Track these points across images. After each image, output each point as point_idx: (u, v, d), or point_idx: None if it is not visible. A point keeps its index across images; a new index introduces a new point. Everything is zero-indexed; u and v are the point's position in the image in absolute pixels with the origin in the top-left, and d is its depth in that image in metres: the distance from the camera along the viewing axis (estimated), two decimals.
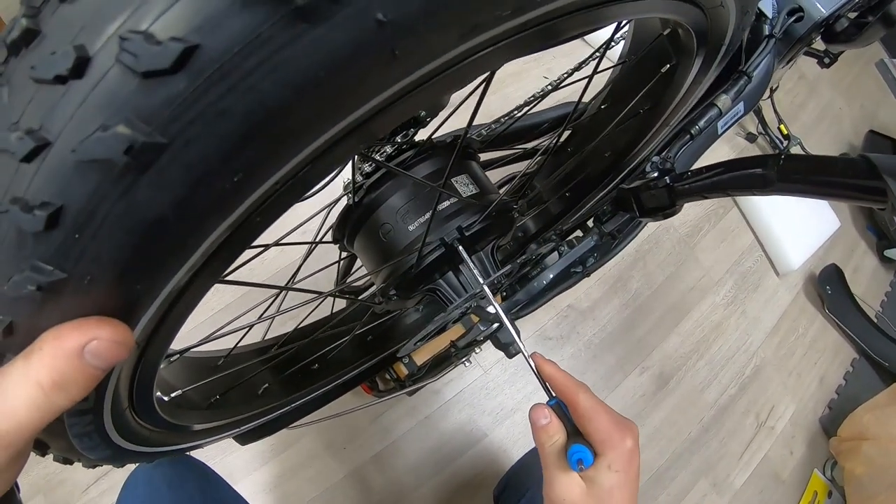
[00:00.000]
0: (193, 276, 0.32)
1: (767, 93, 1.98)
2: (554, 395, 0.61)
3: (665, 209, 0.64)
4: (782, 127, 2.21)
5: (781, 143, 2.20)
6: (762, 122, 2.20)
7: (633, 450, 0.56)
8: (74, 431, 0.42)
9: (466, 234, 0.63)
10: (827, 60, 1.31)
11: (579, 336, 1.78)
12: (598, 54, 0.87)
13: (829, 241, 2.17)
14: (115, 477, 1.33)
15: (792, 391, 1.98)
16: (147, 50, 0.20)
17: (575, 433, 0.58)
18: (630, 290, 1.89)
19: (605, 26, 0.42)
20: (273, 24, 0.21)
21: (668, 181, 0.62)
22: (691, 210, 2.08)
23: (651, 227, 1.99)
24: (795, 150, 2.21)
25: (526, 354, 0.65)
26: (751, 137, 2.28)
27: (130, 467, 0.87)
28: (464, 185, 0.66)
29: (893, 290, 2.32)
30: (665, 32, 0.64)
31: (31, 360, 0.26)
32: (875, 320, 2.12)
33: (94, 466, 0.52)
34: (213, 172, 0.24)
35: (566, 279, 0.69)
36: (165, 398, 0.62)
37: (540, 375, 0.62)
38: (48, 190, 0.22)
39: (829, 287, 2.11)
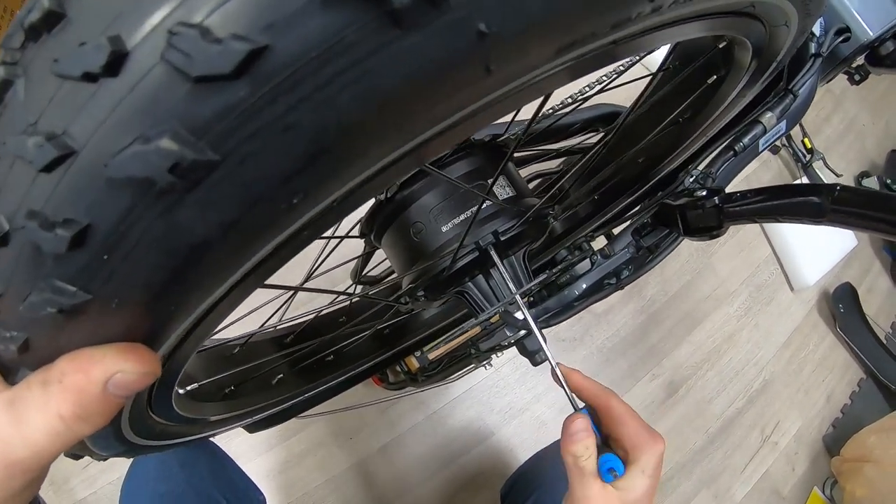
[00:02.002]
0: (230, 289, 0.28)
1: None
2: (582, 404, 0.60)
3: (712, 230, 0.63)
4: (806, 141, 2.19)
5: (804, 156, 2.18)
6: (787, 135, 2.18)
7: (662, 454, 0.55)
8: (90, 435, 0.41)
9: (501, 238, 0.62)
10: (857, 77, 1.29)
11: (592, 339, 1.78)
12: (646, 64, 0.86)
13: (845, 259, 2.16)
14: (116, 459, 1.33)
15: (798, 407, 1.98)
16: (202, 49, 0.16)
17: (602, 444, 0.57)
18: (645, 297, 1.89)
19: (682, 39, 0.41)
20: (360, 27, 0.17)
21: (717, 202, 0.61)
22: None
23: None
24: (818, 164, 2.19)
25: (553, 363, 0.64)
26: (774, 149, 2.26)
27: None
28: (500, 188, 0.65)
29: None
30: (720, 45, 0.62)
31: (51, 391, 0.25)
32: (885, 342, 2.11)
33: (104, 460, 0.51)
34: (271, 194, 0.21)
35: (599, 290, 0.68)
36: (181, 391, 0.62)
37: (567, 386, 0.61)
38: (72, 206, 0.19)
39: (842, 306, 2.10)
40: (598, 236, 0.91)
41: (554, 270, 0.69)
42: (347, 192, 0.25)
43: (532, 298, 0.74)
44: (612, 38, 0.27)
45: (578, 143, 0.83)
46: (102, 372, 0.24)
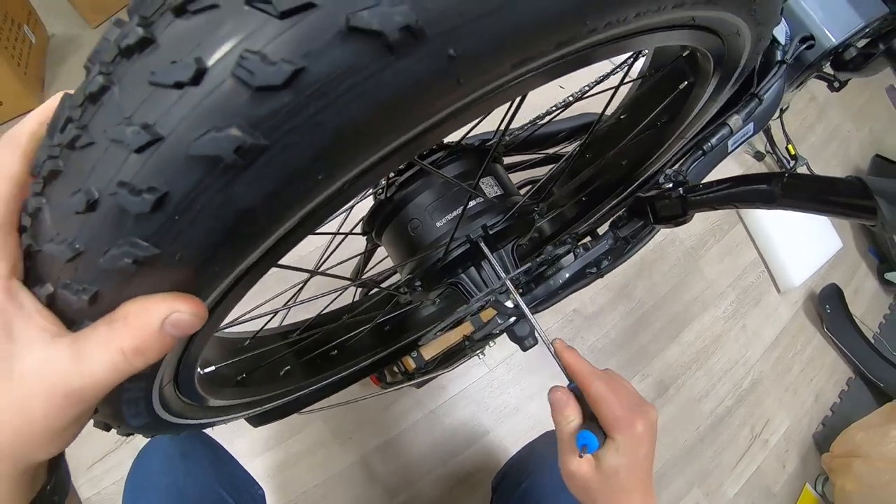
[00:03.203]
0: (261, 257, 0.35)
1: (777, 113, 2.03)
2: (572, 380, 0.65)
3: (677, 217, 0.68)
4: (790, 147, 2.25)
5: (788, 162, 2.24)
6: (770, 141, 2.25)
7: (642, 434, 0.58)
8: (127, 397, 0.46)
9: (490, 232, 0.67)
10: (837, 84, 1.35)
11: (583, 340, 1.83)
12: (619, 71, 0.92)
13: (831, 261, 2.21)
14: (119, 456, 1.36)
15: (787, 406, 2.02)
16: (262, 68, 0.23)
17: (591, 417, 0.61)
18: (634, 299, 1.94)
19: (630, 52, 0.46)
20: (367, 55, 0.25)
21: (681, 192, 0.67)
22: (697, 224, 2.13)
23: (657, 239, 2.03)
24: (802, 170, 2.24)
25: (547, 341, 0.69)
26: (759, 156, 2.32)
27: (134, 450, 0.93)
28: (489, 187, 0.71)
29: (892, 313, 2.36)
30: (684, 54, 0.68)
31: (116, 327, 0.30)
32: (872, 341, 2.16)
33: (128, 434, 0.56)
34: (302, 173, 0.28)
35: (581, 279, 0.73)
36: (202, 371, 0.67)
37: (559, 360, 0.66)
38: (157, 178, 0.25)
39: (828, 306, 2.15)
40: (584, 235, 0.96)
41: (539, 262, 0.74)
42: (357, 175, 0.32)
43: (521, 290, 0.79)
44: (560, 54, 0.34)
45: (560, 149, 0.88)
46: (163, 310, 0.30)
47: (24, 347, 0.30)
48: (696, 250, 2.09)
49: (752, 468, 1.89)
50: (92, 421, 0.49)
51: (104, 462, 1.36)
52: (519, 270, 0.70)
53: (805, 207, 0.55)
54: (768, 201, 0.56)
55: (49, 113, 0.32)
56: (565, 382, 0.65)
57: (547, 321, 1.80)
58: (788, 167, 2.25)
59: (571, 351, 0.66)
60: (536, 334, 0.72)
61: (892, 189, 0.45)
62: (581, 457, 0.59)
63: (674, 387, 1.88)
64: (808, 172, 2.25)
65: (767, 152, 2.30)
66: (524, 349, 0.75)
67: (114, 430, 0.53)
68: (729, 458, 1.88)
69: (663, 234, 2.05)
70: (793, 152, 2.25)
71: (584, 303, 1.87)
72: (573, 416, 0.62)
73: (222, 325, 0.58)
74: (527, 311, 0.68)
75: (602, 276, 0.82)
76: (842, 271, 2.31)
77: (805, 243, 2.17)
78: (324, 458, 1.47)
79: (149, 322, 0.30)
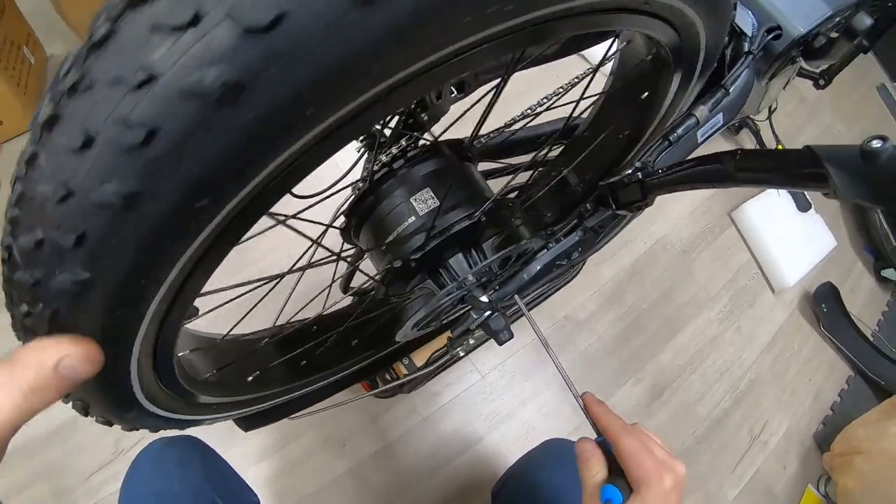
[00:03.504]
0: (240, 212, 0.37)
1: (766, 113, 2.05)
2: (601, 434, 0.65)
3: (638, 202, 0.69)
4: (780, 147, 2.26)
5: None
6: (760, 142, 2.26)
7: (669, 490, 0.58)
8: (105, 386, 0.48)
9: (455, 229, 0.68)
10: (822, 82, 1.36)
11: (575, 346, 1.83)
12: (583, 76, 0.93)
13: (825, 260, 2.22)
14: (117, 467, 1.36)
15: (786, 407, 2.01)
16: (250, 8, 0.26)
17: (617, 471, 0.62)
18: (626, 304, 1.94)
19: (594, 29, 0.48)
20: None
21: (640, 177, 0.67)
22: (688, 227, 2.14)
23: (648, 244, 2.04)
24: None
25: (576, 393, 0.70)
26: None
27: (131, 456, 0.92)
28: (422, 203, 0.72)
29: (890, 310, 2.35)
30: (648, 58, 0.70)
31: (15, 369, 0.32)
32: (871, 339, 2.15)
33: (131, 429, 0.58)
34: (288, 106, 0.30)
35: (552, 270, 0.74)
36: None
37: (588, 414, 0.67)
38: (152, 114, 0.28)
39: (824, 305, 2.15)
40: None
41: (507, 253, 0.75)
42: (342, 118, 0.34)
43: (497, 287, 0.79)
44: (518, 23, 0.37)
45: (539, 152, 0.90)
46: (55, 354, 0.32)
47: None
48: (688, 253, 2.10)
49: (751, 470, 1.88)
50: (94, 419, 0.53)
51: (102, 472, 1.36)
52: (483, 264, 0.71)
53: (760, 181, 0.56)
54: (724, 179, 0.56)
55: None
56: (592, 434, 0.67)
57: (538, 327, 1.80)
58: None
59: (601, 405, 0.68)
60: (507, 335, 0.73)
61: (839, 156, 0.46)
62: None
63: (668, 391, 1.87)
64: None
65: None
66: (499, 343, 0.76)
67: (121, 440, 0.56)
68: (728, 460, 1.87)
69: (654, 238, 2.06)
70: None
71: (574, 308, 1.87)
72: (599, 469, 0.63)
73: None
74: (535, 326, 0.68)
75: (573, 267, 0.82)
76: (837, 270, 2.31)
77: (798, 243, 2.17)
78: (318, 467, 1.47)
79: (43, 362, 0.32)
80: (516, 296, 0.74)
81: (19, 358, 0.32)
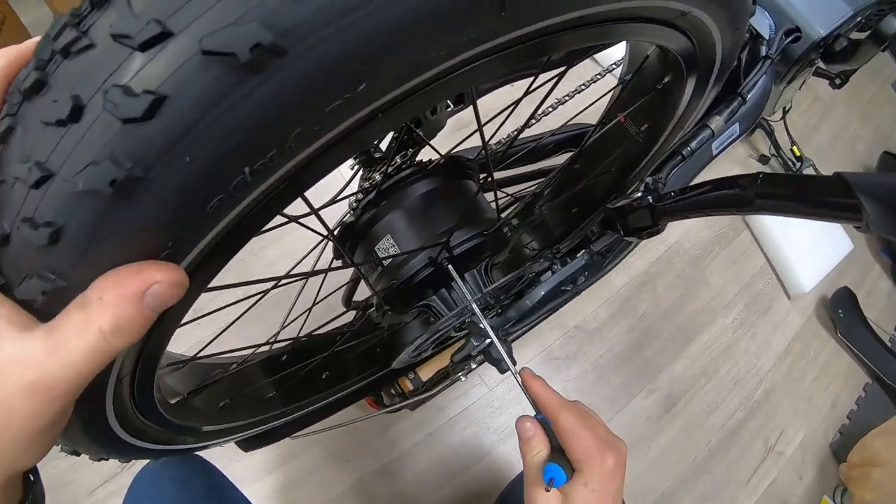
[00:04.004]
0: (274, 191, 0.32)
1: (780, 114, 1.99)
2: (540, 411, 0.62)
3: (647, 228, 0.65)
4: (795, 149, 2.21)
5: (794, 164, 2.20)
6: (775, 143, 2.20)
7: (612, 470, 0.57)
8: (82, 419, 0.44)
9: (455, 252, 0.64)
10: (838, 81, 1.31)
11: (586, 357, 1.78)
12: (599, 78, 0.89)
13: (842, 263, 2.16)
14: (122, 480, 1.34)
15: (802, 416, 1.96)
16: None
17: (559, 449, 0.59)
18: (638, 312, 1.89)
19: (603, 41, 0.44)
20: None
21: (650, 201, 0.63)
22: (702, 232, 2.09)
23: (660, 250, 2.00)
24: (808, 171, 2.20)
25: (513, 370, 0.67)
26: (763, 159, 2.28)
27: (137, 469, 0.91)
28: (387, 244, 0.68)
29: None
30: (649, 52, 0.65)
31: (91, 310, 0.27)
32: (889, 345, 2.10)
33: (98, 460, 0.54)
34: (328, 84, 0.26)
35: (556, 296, 0.70)
36: (171, 401, 0.64)
37: (526, 391, 0.64)
38: (161, 79, 0.24)
39: (841, 310, 2.10)
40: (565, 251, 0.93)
41: (516, 280, 0.71)
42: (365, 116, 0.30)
43: (500, 311, 0.76)
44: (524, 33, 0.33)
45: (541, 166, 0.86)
46: (140, 283, 0.27)
47: None
48: (702, 259, 2.05)
49: (767, 481, 1.83)
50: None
51: (106, 486, 1.34)
52: (485, 291, 0.67)
53: (783, 210, 0.52)
54: (742, 205, 0.52)
55: (10, 61, 0.29)
56: (532, 412, 0.64)
57: (548, 338, 1.76)
58: (794, 169, 2.20)
59: (539, 381, 0.65)
60: (504, 362, 0.69)
61: (876, 185, 0.42)
62: (548, 490, 0.57)
63: (682, 401, 1.83)
64: (814, 174, 2.21)
65: (772, 155, 2.26)
66: (501, 371, 0.72)
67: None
68: (742, 472, 1.82)
69: (667, 244, 2.01)
70: (798, 154, 2.22)
71: (585, 318, 1.83)
72: (540, 447, 0.60)
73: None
74: (491, 333, 0.65)
75: (579, 294, 0.78)
76: (853, 274, 2.26)
77: (814, 247, 2.12)
78: (323, 482, 1.44)
79: (126, 295, 0.27)
80: (477, 309, 0.69)
81: (97, 294, 0.27)
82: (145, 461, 0.90)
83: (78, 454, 0.51)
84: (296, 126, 0.27)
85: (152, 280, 0.27)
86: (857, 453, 1.81)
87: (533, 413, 0.64)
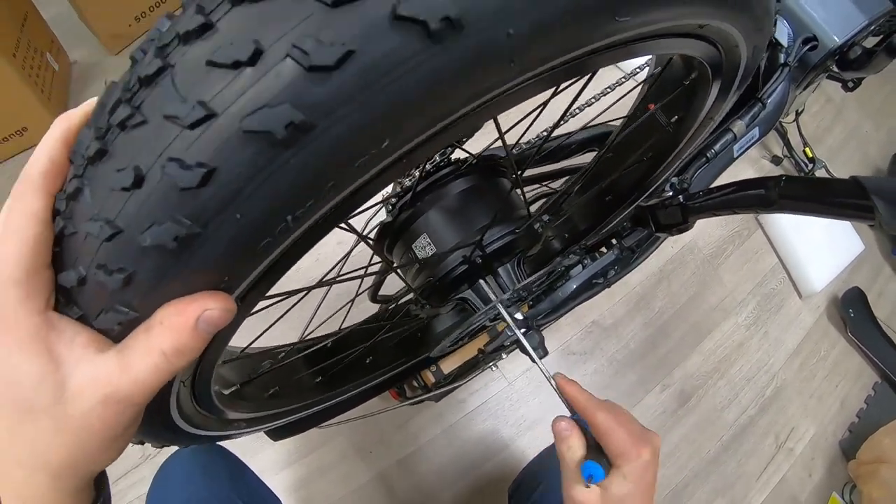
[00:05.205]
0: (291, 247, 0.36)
1: (793, 116, 2.02)
2: (575, 412, 0.66)
3: (678, 225, 0.69)
4: (807, 150, 2.23)
5: (806, 165, 2.22)
6: (787, 145, 2.23)
7: (648, 462, 0.60)
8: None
9: (487, 250, 0.68)
10: (851, 84, 1.34)
11: (602, 352, 1.82)
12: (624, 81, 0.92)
13: (853, 264, 2.18)
14: (143, 472, 1.39)
15: (812, 413, 1.99)
16: (315, 48, 0.26)
17: (595, 447, 0.63)
18: (653, 309, 1.93)
19: (631, 58, 0.47)
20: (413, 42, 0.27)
21: (681, 199, 0.67)
22: (715, 231, 2.12)
23: (675, 248, 2.03)
24: (820, 172, 2.22)
25: (548, 375, 0.70)
26: (776, 160, 2.30)
27: (156, 466, 0.95)
28: (422, 249, 0.71)
29: None
30: (671, 58, 0.69)
31: (154, 334, 0.32)
32: None
33: (161, 447, 0.58)
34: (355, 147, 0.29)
35: (589, 289, 0.74)
36: (225, 392, 0.68)
37: (562, 395, 0.68)
38: (207, 153, 0.27)
39: (852, 310, 2.11)
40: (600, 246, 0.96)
41: (542, 273, 0.75)
42: (394, 159, 0.34)
43: (531, 303, 0.79)
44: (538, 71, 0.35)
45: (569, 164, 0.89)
46: (195, 310, 0.32)
47: (72, 368, 0.32)
48: (715, 258, 2.08)
49: (777, 477, 1.86)
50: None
51: (128, 477, 1.39)
52: (516, 288, 0.71)
53: (803, 209, 0.56)
54: (766, 205, 0.56)
55: (54, 145, 0.34)
56: (566, 412, 0.67)
57: (566, 333, 1.80)
58: (806, 170, 2.22)
59: (573, 384, 0.68)
60: (541, 352, 0.73)
61: (887, 188, 0.45)
62: (588, 487, 0.60)
63: (695, 396, 1.86)
64: (825, 175, 2.23)
65: (785, 156, 2.28)
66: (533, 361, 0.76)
67: (147, 445, 0.56)
68: (753, 467, 1.85)
69: (681, 242, 2.04)
70: (810, 155, 2.23)
71: (602, 314, 1.86)
72: (577, 446, 0.63)
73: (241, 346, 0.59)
74: (519, 335, 0.68)
75: (609, 286, 0.82)
76: (865, 274, 2.27)
77: (826, 247, 2.14)
78: (344, 474, 1.48)
79: (184, 322, 0.32)
80: (508, 318, 0.73)
81: (159, 320, 0.32)
82: (166, 454, 0.94)
83: (142, 443, 0.56)
84: (329, 181, 0.31)
85: (205, 307, 0.32)
86: (865, 451, 1.83)
87: (568, 414, 0.67)
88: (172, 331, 0.32)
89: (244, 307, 0.39)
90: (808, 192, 0.55)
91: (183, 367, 0.34)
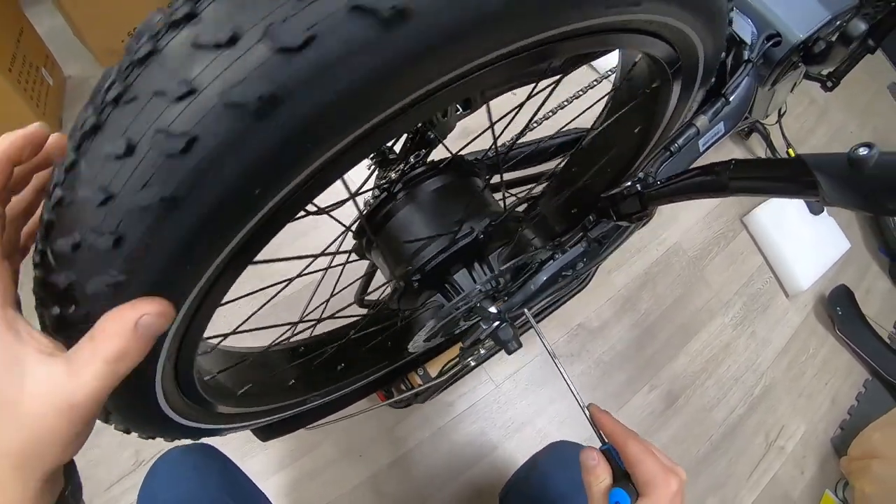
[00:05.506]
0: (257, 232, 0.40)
1: (775, 117, 2.05)
2: (606, 440, 0.68)
3: (638, 213, 0.71)
4: (790, 151, 2.25)
5: None
6: (771, 147, 2.25)
7: (675, 492, 0.62)
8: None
9: (463, 243, 0.70)
10: (829, 84, 1.36)
11: (589, 354, 1.83)
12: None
13: (840, 262, 2.20)
14: (136, 478, 1.38)
15: (802, 411, 2.00)
16: (285, 30, 0.30)
17: (623, 477, 0.65)
18: (639, 311, 1.94)
19: (584, 52, 0.50)
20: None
21: (639, 188, 0.69)
22: (701, 233, 2.14)
23: (660, 251, 2.05)
24: None
25: (582, 405, 0.73)
26: None
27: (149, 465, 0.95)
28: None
29: None
30: (637, 59, 0.71)
31: (97, 342, 0.34)
32: (887, 341, 2.13)
33: (148, 438, 0.60)
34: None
35: (557, 281, 0.76)
36: (206, 378, 0.70)
37: (594, 424, 0.70)
38: (191, 123, 0.31)
39: (839, 308, 2.13)
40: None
41: (515, 265, 0.77)
42: (355, 138, 0.37)
43: (506, 297, 0.81)
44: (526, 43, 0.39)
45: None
46: (133, 315, 0.34)
47: (28, 367, 0.34)
48: (701, 259, 2.10)
49: (768, 476, 1.87)
50: (113, 427, 0.55)
51: (121, 483, 1.38)
52: (487, 278, 0.73)
53: (754, 190, 0.58)
54: (720, 189, 0.58)
55: (13, 142, 0.37)
56: (593, 443, 0.70)
57: (552, 336, 1.81)
58: None
59: (606, 414, 0.71)
60: (515, 344, 0.75)
61: (826, 163, 0.48)
62: None
63: (683, 397, 1.87)
64: None
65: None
66: (508, 352, 0.78)
67: (140, 452, 0.57)
68: (744, 466, 1.86)
69: (666, 244, 2.06)
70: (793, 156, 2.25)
71: (588, 316, 1.88)
72: (604, 476, 0.65)
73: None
74: (544, 340, 0.70)
75: (578, 278, 0.84)
76: (851, 272, 2.29)
77: (812, 246, 2.16)
78: (335, 477, 1.48)
79: (123, 328, 0.34)
80: (525, 309, 0.75)
81: (101, 328, 0.34)
82: (157, 456, 0.95)
83: (129, 432, 0.57)
84: (299, 153, 0.35)
85: (143, 311, 0.35)
86: (856, 446, 1.84)
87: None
88: (112, 337, 0.34)
89: (233, 268, 0.42)
90: (756, 174, 0.57)
91: (126, 371, 0.35)
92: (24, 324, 0.36)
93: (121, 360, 0.34)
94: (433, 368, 1.35)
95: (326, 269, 0.76)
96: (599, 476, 0.65)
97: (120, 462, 1.40)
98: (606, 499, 0.63)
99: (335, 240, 0.74)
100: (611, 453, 0.67)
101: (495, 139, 0.63)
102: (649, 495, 0.61)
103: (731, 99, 0.78)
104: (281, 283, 0.70)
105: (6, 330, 0.34)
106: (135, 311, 0.34)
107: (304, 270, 0.72)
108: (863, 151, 0.44)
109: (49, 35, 1.87)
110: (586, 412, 0.71)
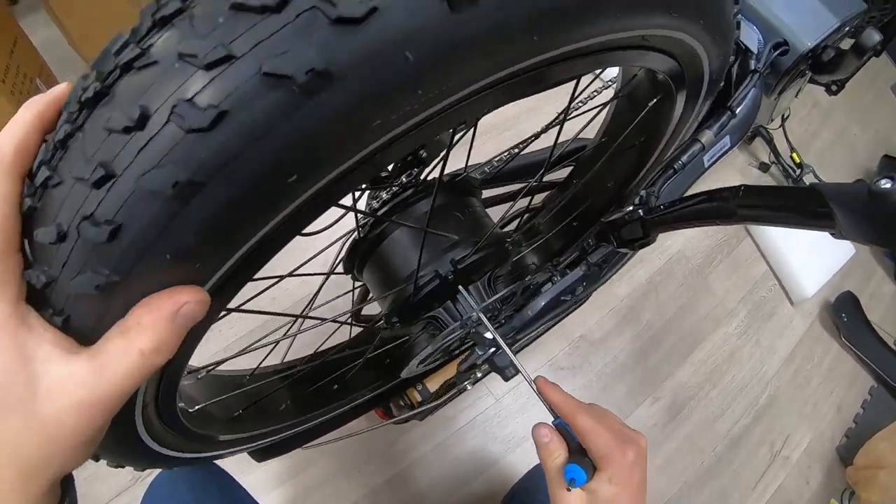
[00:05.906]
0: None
1: (779, 122, 2.02)
2: (557, 415, 0.65)
3: (640, 240, 0.68)
4: (795, 155, 2.23)
5: (794, 171, 2.22)
6: (774, 151, 2.23)
7: (633, 463, 0.59)
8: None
9: (459, 266, 0.67)
10: (834, 88, 1.34)
11: (591, 366, 1.80)
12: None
13: (845, 268, 2.17)
14: (135, 492, 1.37)
15: (808, 420, 1.97)
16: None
17: (579, 450, 0.62)
18: (642, 321, 1.91)
19: (586, 73, 0.47)
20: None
21: (641, 214, 0.66)
22: (704, 241, 2.11)
23: (663, 259, 2.02)
24: (808, 178, 2.22)
25: (528, 378, 0.69)
26: (763, 167, 2.30)
27: (150, 481, 0.93)
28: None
29: None
30: (637, 72, 0.68)
31: (131, 335, 0.31)
32: (893, 347, 2.10)
33: (117, 467, 0.57)
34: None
35: (557, 306, 0.73)
36: (190, 410, 0.67)
37: (543, 398, 0.67)
38: (221, 97, 0.26)
39: (844, 315, 2.10)
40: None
41: (512, 289, 0.74)
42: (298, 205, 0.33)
43: (503, 321, 0.78)
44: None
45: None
46: (173, 305, 0.31)
47: (41, 366, 0.31)
48: (704, 268, 2.07)
49: (774, 486, 1.84)
50: (106, 463, 0.53)
51: (120, 498, 1.37)
52: (488, 301, 0.70)
53: (764, 220, 0.55)
54: (726, 216, 0.55)
55: (25, 125, 0.32)
56: (550, 419, 0.67)
57: (553, 348, 1.79)
58: (794, 176, 2.22)
59: (554, 387, 0.68)
60: (518, 371, 0.72)
61: (844, 195, 0.45)
62: (569, 490, 0.59)
63: (687, 408, 1.84)
64: (814, 180, 2.23)
65: (772, 162, 2.28)
66: (505, 379, 0.75)
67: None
68: (749, 477, 1.83)
69: (669, 253, 2.04)
70: (798, 160, 2.23)
71: (590, 328, 1.85)
72: (559, 451, 0.63)
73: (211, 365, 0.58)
74: (503, 345, 0.67)
75: (578, 304, 0.81)
76: (856, 278, 2.26)
77: (816, 252, 2.13)
78: (333, 493, 1.47)
79: (161, 318, 0.31)
80: (484, 319, 0.72)
81: (136, 320, 0.31)
82: (157, 472, 0.93)
83: (97, 459, 0.54)
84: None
85: (182, 301, 0.32)
86: (862, 456, 1.82)
87: (550, 419, 0.67)
88: (150, 328, 0.31)
89: (216, 305, 0.37)
90: (766, 202, 0.54)
91: (160, 365, 0.33)
92: (39, 319, 0.32)
93: (157, 352, 0.32)
94: (433, 384, 1.32)
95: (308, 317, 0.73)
96: (553, 452, 0.62)
97: (119, 477, 1.38)
98: (562, 475, 0.60)
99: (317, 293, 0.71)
100: (565, 428, 0.64)
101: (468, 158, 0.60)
102: (605, 469, 0.59)
103: (737, 112, 0.75)
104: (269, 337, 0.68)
105: (19, 325, 0.31)
106: (174, 300, 0.31)
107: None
108: (886, 184, 0.41)
109: (44, 45, 1.86)
110: (533, 386, 0.68)
